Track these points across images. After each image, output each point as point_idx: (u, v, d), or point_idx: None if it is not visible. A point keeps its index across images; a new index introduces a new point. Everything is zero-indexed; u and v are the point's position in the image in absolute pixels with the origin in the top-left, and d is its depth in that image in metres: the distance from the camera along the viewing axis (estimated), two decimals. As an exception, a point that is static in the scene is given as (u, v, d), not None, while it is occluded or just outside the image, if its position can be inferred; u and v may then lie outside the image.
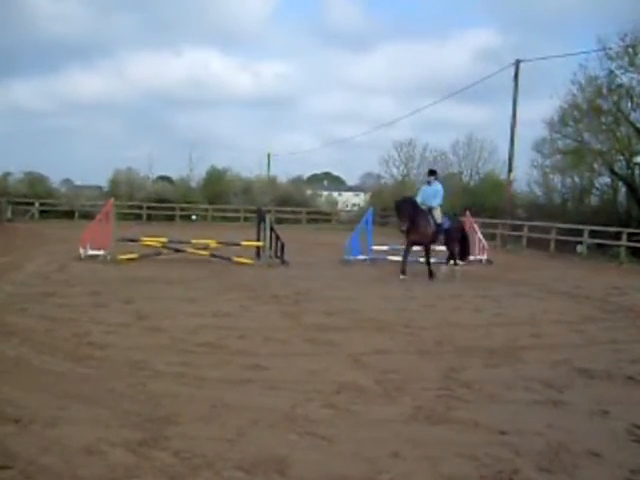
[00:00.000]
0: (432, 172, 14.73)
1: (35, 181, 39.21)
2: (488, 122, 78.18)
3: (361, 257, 16.88)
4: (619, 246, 21.48)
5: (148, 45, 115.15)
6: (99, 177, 63.24)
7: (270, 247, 16.02)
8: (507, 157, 28.91)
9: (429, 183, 14.31)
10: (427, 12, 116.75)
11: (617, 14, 57.59)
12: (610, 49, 26.56)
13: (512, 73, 27.45)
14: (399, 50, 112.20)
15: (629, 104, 27.40)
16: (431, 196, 14.00)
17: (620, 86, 27.19)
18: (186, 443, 4.04)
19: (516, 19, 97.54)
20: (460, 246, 14.90)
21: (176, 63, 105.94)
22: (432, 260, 16.06)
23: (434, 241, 14.19)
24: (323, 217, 42.61)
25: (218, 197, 41.05)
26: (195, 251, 16.16)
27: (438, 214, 14.06)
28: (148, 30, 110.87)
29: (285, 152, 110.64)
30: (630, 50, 26.29)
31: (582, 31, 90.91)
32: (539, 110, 72.72)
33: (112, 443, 3.99)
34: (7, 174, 40.96)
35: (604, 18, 62.93)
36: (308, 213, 41.14)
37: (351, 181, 75.76)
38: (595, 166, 29.18)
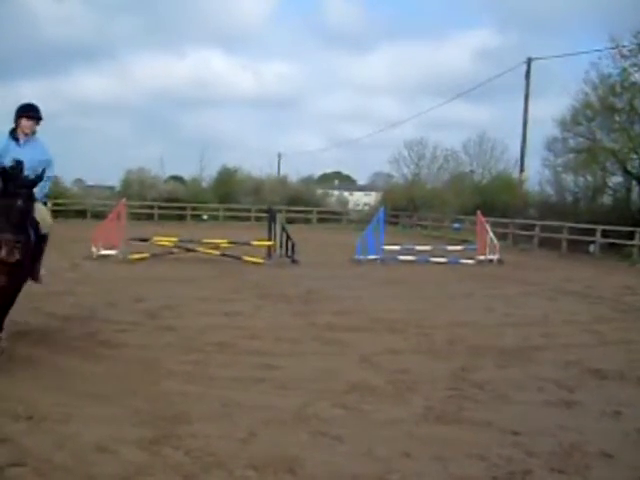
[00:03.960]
0: (31, 108, 5.98)
1: (47, 181, 39.40)
2: (494, 121, 77.87)
3: (372, 256, 16.86)
4: (632, 246, 21.31)
5: (152, 47, 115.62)
6: (110, 177, 63.56)
7: (281, 246, 16.03)
8: (518, 156, 28.82)
9: (15, 137, 5.91)
10: (426, 12, 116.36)
11: (618, 12, 57.12)
12: (623, 47, 26.38)
13: (523, 71, 27.37)
14: (400, 50, 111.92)
15: (643, 102, 27.16)
16: (27, 169, 5.40)
17: (634, 84, 26.95)
18: (197, 442, 4.05)
19: (517, 18, 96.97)
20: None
21: (181, 64, 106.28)
22: (444, 260, 15.83)
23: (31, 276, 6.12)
24: (334, 217, 42.59)
25: (229, 197, 41.14)
26: (206, 250, 16.20)
27: (45, 215, 6.08)
28: (152, 32, 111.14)
29: (293, 152, 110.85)
30: (644, 48, 26.05)
31: (585, 29, 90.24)
32: (548, 109, 72.13)
33: (124, 441, 4.01)
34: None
35: (609, 17, 62.33)
36: (319, 213, 41.15)
37: (361, 180, 75.69)
38: (608, 165, 28.91)
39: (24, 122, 5.81)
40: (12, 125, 5.91)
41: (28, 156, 5.51)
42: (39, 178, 5.16)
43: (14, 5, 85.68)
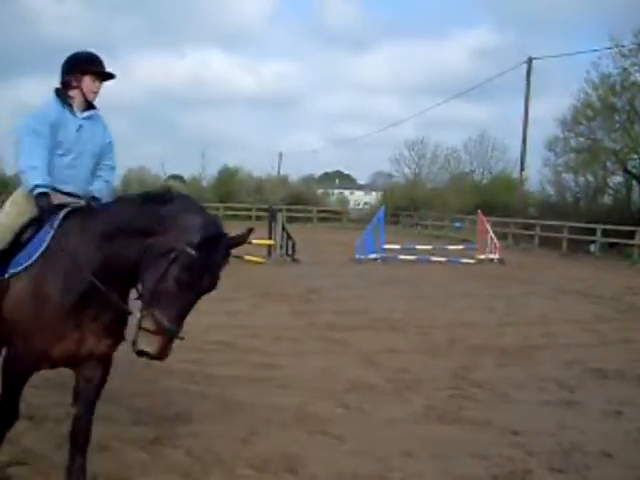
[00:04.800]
0: (98, 60, 3.62)
1: (48, 180, 39.52)
2: (495, 121, 77.84)
3: (372, 256, 16.86)
4: (632, 245, 21.30)
5: (152, 46, 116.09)
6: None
7: (281, 246, 16.03)
8: (519, 156, 28.83)
9: (69, 104, 3.54)
10: (426, 11, 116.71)
11: (618, 12, 57.24)
12: (623, 46, 26.39)
13: (523, 71, 27.37)
14: (399, 49, 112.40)
15: (643, 102, 27.15)
16: (95, 155, 3.67)
17: (634, 84, 26.96)
18: (198, 441, 4.05)
19: (516, 17, 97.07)
20: None
21: (181, 63, 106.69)
22: (444, 259, 15.71)
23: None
24: (334, 216, 42.61)
25: (230, 196, 41.12)
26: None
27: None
28: (151, 31, 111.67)
29: (293, 151, 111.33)
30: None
31: (585, 29, 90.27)
32: (549, 108, 72.29)
33: (124, 440, 4.01)
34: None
35: (610, 16, 62.30)
36: (319, 212, 41.16)
37: (362, 180, 75.75)
38: (608, 165, 28.94)
39: (89, 82, 3.56)
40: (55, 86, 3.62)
41: (91, 138, 3.61)
42: None
43: (14, 4, 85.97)
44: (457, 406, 5.00)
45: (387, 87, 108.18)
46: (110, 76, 3.66)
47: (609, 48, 26.87)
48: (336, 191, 58.17)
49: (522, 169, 28.90)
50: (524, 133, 28.35)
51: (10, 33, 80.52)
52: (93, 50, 3.70)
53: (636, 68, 26.72)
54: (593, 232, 22.50)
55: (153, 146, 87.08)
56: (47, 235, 3.18)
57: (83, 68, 3.55)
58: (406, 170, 50.21)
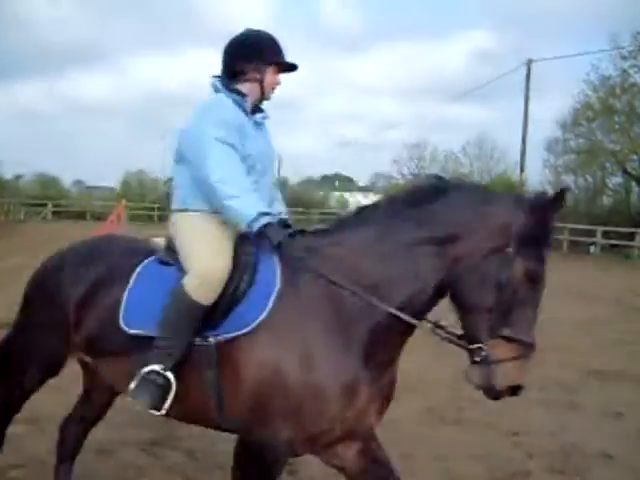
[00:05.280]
0: (281, 49, 2.73)
1: (47, 183, 39.66)
2: (494, 122, 77.89)
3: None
4: (632, 247, 21.31)
5: (150, 48, 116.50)
6: (110, 178, 63.85)
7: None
8: (518, 157, 28.84)
9: (241, 104, 2.66)
10: (425, 13, 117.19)
11: (618, 14, 57.49)
12: (623, 48, 26.45)
13: (523, 72, 27.42)
14: (399, 51, 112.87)
15: (643, 103, 27.21)
16: (268, 169, 2.84)
17: (633, 85, 27.01)
18: (197, 443, 4.05)
19: (516, 19, 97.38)
20: None
21: (180, 65, 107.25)
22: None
23: None
24: (334, 218, 42.59)
25: (229, 198, 41.12)
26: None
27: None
28: (149, 33, 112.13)
29: (293, 153, 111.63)
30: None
31: (585, 30, 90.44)
32: (548, 110, 72.37)
33: (124, 443, 4.01)
34: (19, 176, 41.45)
35: (610, 18, 62.53)
36: (320, 214, 41.18)
37: (362, 182, 75.86)
38: (608, 166, 28.99)
39: (272, 75, 2.75)
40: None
41: (270, 149, 2.88)
42: None
43: (10, 7, 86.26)
44: (457, 407, 5.00)
45: (386, 89, 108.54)
46: (293, 68, 2.81)
47: (609, 50, 26.96)
48: (337, 193, 58.21)
49: (522, 171, 28.88)
50: (524, 135, 28.36)
51: (5, 36, 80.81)
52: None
53: (635, 70, 26.80)
54: (593, 233, 22.52)
55: (153, 148, 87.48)
56: (273, 273, 2.41)
57: (269, 57, 2.69)
58: (406, 171, 50.26)
